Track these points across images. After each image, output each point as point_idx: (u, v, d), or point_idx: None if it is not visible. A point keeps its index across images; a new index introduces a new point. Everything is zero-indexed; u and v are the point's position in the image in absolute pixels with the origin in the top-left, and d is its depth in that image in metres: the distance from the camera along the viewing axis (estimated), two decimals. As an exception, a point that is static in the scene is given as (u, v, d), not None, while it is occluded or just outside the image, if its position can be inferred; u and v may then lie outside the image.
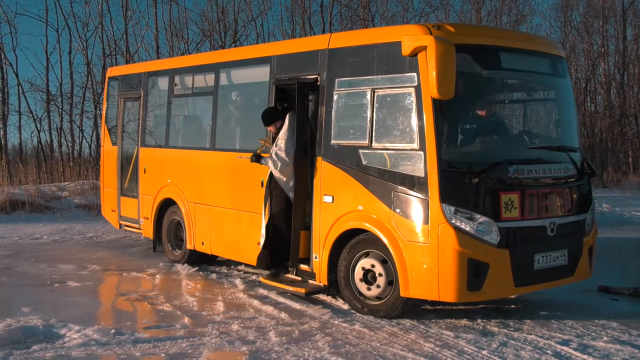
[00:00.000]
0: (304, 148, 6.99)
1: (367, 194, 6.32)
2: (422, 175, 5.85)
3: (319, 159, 6.83)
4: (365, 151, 6.35)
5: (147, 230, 9.74)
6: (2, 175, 16.30)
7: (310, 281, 7.10)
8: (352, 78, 6.58)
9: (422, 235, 5.86)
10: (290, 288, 7.09)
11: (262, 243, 7.26)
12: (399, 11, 26.74)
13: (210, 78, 8.78)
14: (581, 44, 27.98)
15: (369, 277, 6.42)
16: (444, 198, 5.75)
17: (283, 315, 6.43)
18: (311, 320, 6.25)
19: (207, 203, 8.52)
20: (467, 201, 5.81)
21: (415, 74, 5.92)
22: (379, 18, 25.46)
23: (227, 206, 8.16)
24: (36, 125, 23.30)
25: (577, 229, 6.54)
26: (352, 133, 6.54)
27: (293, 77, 7.25)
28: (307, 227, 7.00)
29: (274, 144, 7.15)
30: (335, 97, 6.71)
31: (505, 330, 5.97)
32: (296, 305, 6.80)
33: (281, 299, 7.06)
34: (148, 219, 9.65)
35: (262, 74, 7.73)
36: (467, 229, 5.74)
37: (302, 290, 6.94)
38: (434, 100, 5.76)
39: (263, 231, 7.24)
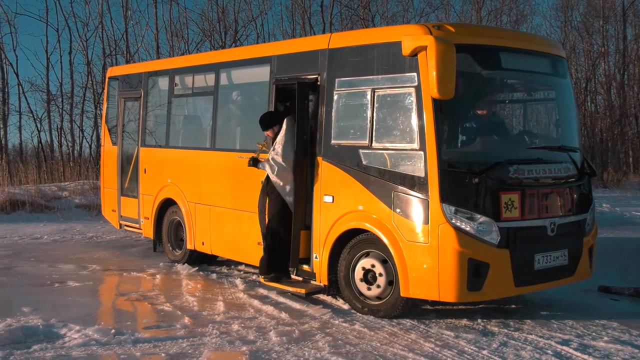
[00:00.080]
0: (304, 148, 6.99)
1: (367, 194, 6.32)
2: (423, 175, 5.85)
3: (319, 159, 6.83)
4: (365, 151, 6.35)
5: (147, 230, 9.74)
6: (2, 175, 16.30)
7: (310, 281, 7.10)
8: (352, 78, 6.58)
9: (422, 235, 5.86)
10: (291, 288, 7.08)
11: (263, 248, 7.26)
12: (399, 11, 26.78)
13: (210, 78, 8.78)
14: (581, 44, 27.98)
15: (369, 277, 6.42)
16: (444, 198, 5.75)
17: (283, 315, 6.43)
18: (311, 320, 6.25)
19: (208, 203, 8.52)
20: (468, 201, 5.81)
21: (415, 74, 5.92)
22: (379, 18, 25.47)
23: (227, 206, 8.16)
24: (36, 125, 23.36)
25: (577, 229, 6.54)
26: (352, 133, 6.54)
27: (293, 77, 7.25)
28: (307, 227, 7.00)
29: (272, 149, 7.14)
30: (335, 97, 6.71)
31: (506, 330, 5.97)
32: (296, 305, 6.80)
33: (281, 299, 7.06)
34: (148, 219, 9.66)
35: (262, 74, 7.73)
36: (468, 229, 5.74)
37: (303, 291, 6.94)
38: (434, 100, 5.76)
39: (263, 236, 7.24)
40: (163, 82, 9.74)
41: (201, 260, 9.04)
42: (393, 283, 6.23)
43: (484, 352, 5.35)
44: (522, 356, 5.27)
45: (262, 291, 7.44)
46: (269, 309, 6.67)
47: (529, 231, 6.07)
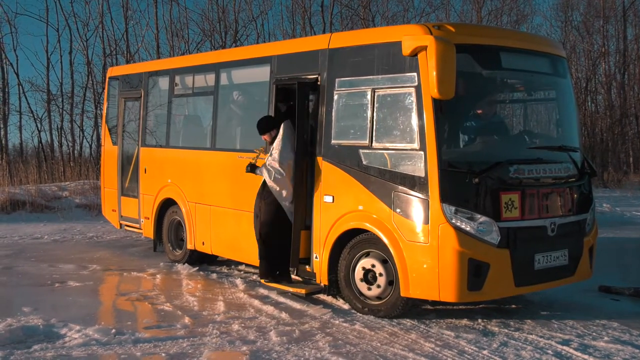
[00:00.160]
0: (304, 148, 6.99)
1: (367, 194, 6.32)
2: (423, 175, 5.85)
3: (320, 159, 6.83)
4: (365, 151, 6.35)
5: (147, 230, 9.75)
6: (2, 175, 16.31)
7: (310, 281, 7.10)
8: (352, 78, 6.58)
9: (422, 235, 5.86)
10: (291, 288, 7.09)
11: (258, 252, 7.26)
12: (400, 11, 26.78)
13: (210, 78, 8.78)
14: (582, 44, 27.96)
15: (369, 277, 6.42)
16: (445, 198, 5.75)
17: (283, 315, 6.43)
18: (312, 320, 6.25)
19: (208, 203, 8.52)
20: (468, 201, 5.81)
21: (415, 73, 5.92)
22: (380, 18, 25.49)
23: (227, 206, 8.16)
24: (37, 125, 23.38)
25: (577, 229, 6.54)
26: (352, 133, 6.54)
27: (293, 77, 7.25)
28: (308, 227, 7.00)
29: (269, 154, 7.14)
30: (335, 97, 6.71)
31: (506, 330, 5.97)
32: (297, 305, 6.80)
33: (282, 299, 7.06)
34: (148, 218, 9.66)
35: (262, 74, 7.73)
36: (468, 229, 5.74)
37: (303, 291, 6.95)
38: (434, 100, 5.76)
39: (257, 240, 7.24)
40: (163, 82, 9.74)
41: (201, 260, 9.04)
42: (393, 283, 6.23)
43: (485, 352, 5.35)
44: (523, 356, 5.27)
45: (262, 291, 7.44)
46: (269, 309, 6.67)
47: (529, 231, 6.07)
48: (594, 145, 24.13)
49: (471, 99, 6.38)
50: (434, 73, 5.62)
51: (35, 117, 23.17)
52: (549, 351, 5.39)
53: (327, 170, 6.75)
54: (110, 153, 10.87)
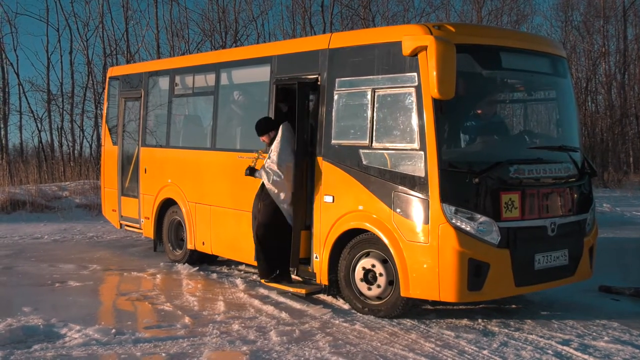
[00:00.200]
0: (304, 148, 6.99)
1: (367, 194, 6.32)
2: (423, 175, 5.85)
3: (320, 158, 6.83)
4: (365, 151, 6.35)
5: (147, 230, 9.75)
6: (3, 175, 16.32)
7: (311, 281, 7.10)
8: (352, 78, 6.58)
9: (422, 235, 5.86)
10: (291, 288, 7.09)
11: (255, 253, 7.25)
12: (400, 11, 26.80)
13: (210, 78, 8.78)
14: (582, 44, 27.95)
15: (369, 277, 6.42)
16: (445, 198, 5.75)
17: (284, 315, 6.43)
18: (312, 320, 6.25)
19: (208, 203, 8.52)
20: (468, 201, 5.81)
21: (415, 73, 5.92)
22: (380, 18, 25.50)
23: (227, 206, 8.16)
24: (37, 125, 23.36)
25: (577, 229, 6.53)
26: (352, 133, 6.54)
27: (293, 77, 7.25)
28: (308, 227, 7.00)
29: (267, 156, 7.13)
30: (335, 97, 6.71)
31: (506, 330, 5.97)
32: (297, 305, 6.80)
33: (282, 299, 7.06)
34: (149, 218, 9.66)
35: (262, 74, 7.73)
36: (468, 229, 5.74)
37: (303, 291, 6.95)
38: (435, 100, 5.76)
39: (255, 242, 7.23)
40: (163, 82, 9.74)
41: (201, 260, 9.04)
42: (393, 283, 6.23)
43: (485, 352, 5.35)
44: (523, 356, 5.27)
45: (262, 291, 7.44)
46: (270, 308, 6.67)
47: (530, 231, 6.07)
48: (594, 145, 24.12)
49: (471, 99, 6.38)
50: (434, 73, 5.62)
51: (36, 117, 23.21)
52: (549, 351, 5.39)
53: (327, 170, 6.75)
54: (110, 153, 10.87)
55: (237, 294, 7.40)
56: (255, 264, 7.48)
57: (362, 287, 6.47)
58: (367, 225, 6.33)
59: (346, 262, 6.58)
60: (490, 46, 6.26)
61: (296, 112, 7.02)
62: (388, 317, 6.30)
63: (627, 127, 26.23)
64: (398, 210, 6.04)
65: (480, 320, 6.27)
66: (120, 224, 10.57)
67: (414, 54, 5.91)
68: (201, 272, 8.60)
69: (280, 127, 7.13)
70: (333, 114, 6.72)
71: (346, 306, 6.74)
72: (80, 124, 23.34)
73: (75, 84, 23.50)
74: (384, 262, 6.29)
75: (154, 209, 9.51)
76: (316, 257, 6.89)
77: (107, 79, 11.38)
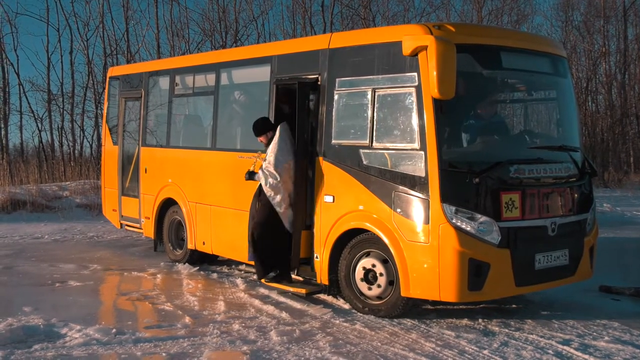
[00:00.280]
0: (304, 148, 6.99)
1: (367, 193, 6.32)
2: (423, 175, 5.85)
3: (320, 158, 6.83)
4: (366, 151, 6.35)
5: (148, 229, 9.75)
6: (3, 174, 16.32)
7: (311, 281, 7.10)
8: (352, 78, 6.58)
9: (423, 235, 5.86)
10: (291, 288, 7.08)
11: (249, 256, 7.24)
12: (400, 11, 26.80)
13: (211, 78, 8.78)
14: (582, 44, 27.95)
15: (369, 276, 6.42)
16: (445, 198, 5.75)
17: (284, 314, 6.43)
18: (312, 320, 6.25)
19: (208, 203, 8.52)
20: (468, 201, 5.81)
21: (415, 73, 5.92)
22: (380, 18, 25.51)
23: (228, 206, 8.16)
24: (37, 125, 23.38)
25: (578, 229, 6.53)
26: (352, 133, 6.54)
27: (294, 77, 7.25)
28: (308, 227, 7.00)
29: (265, 158, 7.12)
30: (336, 97, 6.71)
31: (507, 330, 5.97)
32: (297, 305, 6.80)
33: (282, 299, 7.06)
34: (149, 218, 9.66)
35: (262, 73, 7.73)
36: (468, 228, 5.74)
37: (303, 290, 6.95)
38: (435, 100, 5.76)
39: (250, 241, 7.22)
40: (164, 82, 9.74)
41: (202, 260, 9.05)
42: (394, 283, 6.23)
43: (485, 351, 5.35)
44: (523, 356, 5.27)
45: (262, 291, 7.44)
46: (270, 308, 6.67)
47: (530, 231, 6.07)
48: (594, 145, 24.12)
49: (471, 99, 6.38)
50: (435, 73, 5.62)
51: (36, 116, 23.22)
52: (550, 351, 5.39)
53: (328, 170, 6.75)
54: (110, 153, 10.88)
55: (237, 293, 7.41)
56: (253, 263, 7.48)
57: (363, 286, 6.47)
58: (368, 225, 6.33)
59: (346, 262, 6.58)
60: (490, 46, 6.26)
61: (296, 112, 7.01)
62: (388, 317, 6.30)
63: (628, 127, 26.23)
64: (398, 210, 6.04)
65: (480, 320, 6.27)
66: (121, 224, 10.57)
67: (414, 54, 5.91)
68: (201, 272, 8.60)
69: (278, 128, 7.12)
70: (333, 113, 6.72)
71: (346, 306, 6.74)
72: (80, 123, 23.38)
73: (75, 83, 23.57)
74: (384, 262, 6.29)
75: (154, 208, 9.51)
76: (316, 257, 6.89)
77: (108, 79, 11.39)
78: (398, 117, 6.13)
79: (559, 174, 6.43)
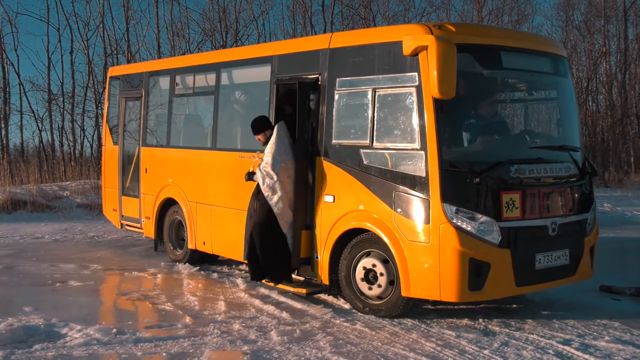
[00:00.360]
0: (305, 148, 6.99)
1: (368, 193, 6.31)
2: (423, 175, 5.85)
3: (320, 158, 6.83)
4: (366, 151, 6.35)
5: (148, 229, 9.75)
6: (3, 174, 16.33)
7: (312, 281, 7.10)
8: (353, 78, 6.58)
9: (423, 235, 5.86)
10: (292, 288, 7.09)
11: (245, 255, 7.22)
12: (400, 11, 26.78)
13: (211, 78, 8.78)
14: (583, 44, 27.93)
15: (370, 276, 6.42)
16: (445, 198, 5.74)
17: (284, 314, 6.43)
18: (312, 320, 6.25)
19: (209, 203, 8.52)
20: (469, 201, 5.81)
21: (416, 73, 5.92)
22: (380, 17, 25.50)
23: (228, 206, 8.16)
24: (38, 125, 23.38)
25: (578, 229, 6.53)
26: (353, 133, 6.54)
27: (294, 77, 7.25)
28: (309, 227, 7.00)
29: (262, 158, 7.11)
30: (336, 97, 6.71)
31: (507, 330, 5.97)
32: (297, 305, 6.80)
33: (282, 299, 7.06)
34: (149, 218, 9.66)
35: (263, 73, 7.73)
36: (469, 228, 5.73)
37: (304, 290, 6.95)
38: (435, 100, 5.76)
39: (245, 241, 7.20)
40: (164, 82, 9.74)
41: (202, 260, 9.05)
42: (394, 283, 6.23)
43: (485, 351, 5.34)
44: (524, 356, 5.27)
45: (263, 291, 7.44)
46: (270, 308, 6.67)
47: (530, 231, 6.06)
48: (595, 145, 24.11)
49: (472, 99, 6.38)
50: (435, 73, 5.62)
51: (36, 116, 23.23)
52: (550, 351, 5.39)
53: (328, 170, 6.75)
54: (111, 153, 10.88)
55: (237, 293, 7.41)
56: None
57: (363, 286, 6.47)
58: (368, 225, 6.33)
59: (347, 262, 6.58)
60: (490, 46, 6.26)
61: (297, 112, 7.01)
62: (389, 317, 6.30)
63: (628, 126, 26.22)
64: (399, 210, 6.04)
65: (481, 320, 6.27)
66: (121, 224, 10.58)
67: (415, 54, 5.91)
68: (202, 272, 8.60)
69: (275, 127, 7.12)
70: (334, 113, 6.72)
71: (347, 306, 6.74)
72: (81, 123, 23.39)
73: (75, 83, 23.57)
74: (384, 261, 6.29)
75: (154, 208, 9.51)
76: (317, 257, 6.89)
77: (108, 79, 11.39)
78: (398, 117, 6.13)
79: (560, 174, 6.43)
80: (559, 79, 6.95)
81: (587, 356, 5.27)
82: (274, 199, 6.95)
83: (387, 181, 6.16)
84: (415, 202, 5.92)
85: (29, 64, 49.17)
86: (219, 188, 8.39)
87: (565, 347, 5.47)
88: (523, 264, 5.96)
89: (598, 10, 27.64)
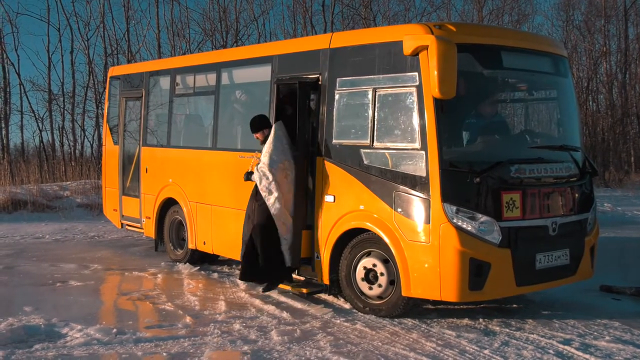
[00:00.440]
0: (305, 148, 6.99)
1: (368, 193, 6.32)
2: (424, 174, 5.85)
3: (321, 158, 6.83)
4: (366, 151, 6.35)
5: (148, 229, 9.75)
6: (4, 174, 16.34)
7: (312, 281, 7.10)
8: (353, 77, 6.58)
9: (423, 235, 5.86)
10: (292, 288, 7.09)
11: (242, 255, 7.18)
12: (401, 10, 26.79)
13: (211, 78, 8.78)
14: (583, 43, 27.92)
15: (370, 276, 6.42)
16: (446, 197, 5.74)
17: (285, 314, 6.43)
18: (313, 320, 6.25)
19: (209, 203, 8.52)
20: (469, 201, 5.81)
21: (416, 73, 5.92)
22: (381, 17, 25.50)
23: (228, 206, 8.16)
24: (38, 125, 23.41)
25: (578, 229, 6.53)
26: (353, 132, 6.54)
27: (294, 77, 7.25)
28: (309, 227, 7.00)
29: (260, 158, 7.10)
30: (336, 97, 6.71)
31: (507, 330, 5.97)
32: (298, 305, 6.80)
33: (283, 299, 7.06)
34: (150, 218, 9.66)
35: (263, 73, 7.73)
36: (469, 228, 5.73)
37: (304, 290, 6.95)
38: (436, 100, 5.76)
39: (243, 241, 7.18)
40: (164, 82, 9.74)
41: (202, 260, 9.05)
42: (394, 282, 6.23)
43: (486, 351, 5.34)
44: (524, 355, 5.26)
45: (263, 291, 7.44)
46: (271, 308, 6.67)
47: (531, 231, 6.06)
48: (595, 144, 24.11)
49: (472, 99, 6.38)
50: (435, 72, 5.62)
51: (37, 116, 23.26)
52: (550, 351, 5.39)
53: (328, 170, 6.75)
54: (111, 152, 10.88)
55: (238, 293, 7.41)
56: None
57: (363, 286, 6.47)
58: (368, 225, 6.33)
59: (347, 262, 6.58)
60: (491, 45, 6.26)
61: (297, 112, 7.01)
62: (389, 317, 6.30)
63: (628, 126, 26.21)
64: (399, 209, 6.04)
65: (481, 320, 6.27)
66: (122, 224, 10.58)
67: (415, 54, 5.91)
68: (202, 272, 8.60)
69: (273, 126, 7.11)
70: (334, 113, 6.72)
71: (347, 306, 6.74)
72: (81, 123, 23.42)
73: (76, 83, 23.59)
74: (385, 261, 6.29)
75: (155, 208, 9.51)
76: (317, 257, 6.89)
77: (108, 79, 11.39)
78: (399, 117, 6.13)
79: (560, 174, 6.43)
80: (559, 79, 6.95)
81: (587, 356, 5.27)
82: (270, 200, 6.92)
83: (387, 181, 6.16)
84: (416, 202, 5.92)
85: (30, 64, 49.33)
86: (219, 188, 8.39)
87: (566, 347, 5.47)
88: (523, 264, 5.96)
89: (598, 10, 27.63)
